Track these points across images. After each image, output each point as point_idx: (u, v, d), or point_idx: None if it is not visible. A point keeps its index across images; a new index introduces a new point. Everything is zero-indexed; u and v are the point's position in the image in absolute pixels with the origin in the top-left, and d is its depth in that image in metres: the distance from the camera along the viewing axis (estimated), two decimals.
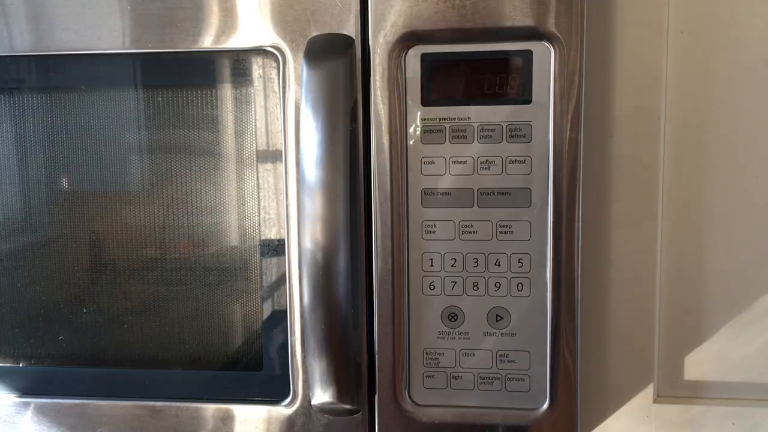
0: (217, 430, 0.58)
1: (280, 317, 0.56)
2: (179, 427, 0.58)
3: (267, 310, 0.57)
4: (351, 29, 0.52)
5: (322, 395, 0.52)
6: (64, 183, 0.59)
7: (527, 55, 0.51)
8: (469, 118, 0.52)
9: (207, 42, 0.54)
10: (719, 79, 0.59)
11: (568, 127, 0.51)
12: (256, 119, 0.55)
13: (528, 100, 0.51)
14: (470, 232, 0.53)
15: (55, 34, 0.55)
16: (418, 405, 0.55)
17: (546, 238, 0.52)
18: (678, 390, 0.62)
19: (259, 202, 0.56)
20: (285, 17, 0.52)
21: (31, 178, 0.59)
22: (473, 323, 0.54)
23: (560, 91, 0.51)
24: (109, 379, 0.60)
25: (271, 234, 0.56)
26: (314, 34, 0.52)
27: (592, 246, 0.59)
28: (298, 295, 0.54)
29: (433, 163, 0.53)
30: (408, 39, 0.51)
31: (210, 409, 0.58)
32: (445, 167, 0.53)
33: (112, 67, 0.56)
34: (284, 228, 0.55)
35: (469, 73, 0.52)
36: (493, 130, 0.52)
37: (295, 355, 0.55)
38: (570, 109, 0.51)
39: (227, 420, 0.57)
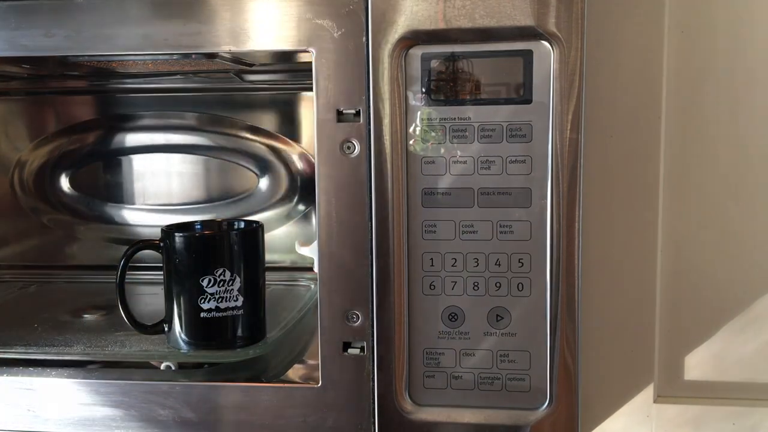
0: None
1: None
2: None
3: None
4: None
5: None
6: None
7: (527, 55, 0.51)
8: (469, 117, 0.52)
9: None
10: (719, 79, 0.59)
11: (568, 127, 0.51)
12: None
13: (528, 100, 0.51)
14: (470, 232, 0.53)
15: None
16: (418, 405, 0.55)
17: (546, 238, 0.52)
18: (678, 390, 0.62)
19: None
20: None
21: None
22: (473, 323, 0.54)
23: (560, 91, 0.51)
24: None
25: None
26: None
27: (592, 246, 0.59)
28: None
29: (433, 163, 0.53)
30: (408, 39, 0.51)
31: None
32: (445, 167, 0.53)
33: None
34: None
35: (470, 73, 0.52)
36: (493, 130, 0.52)
37: None
38: (570, 109, 0.51)
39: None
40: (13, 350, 0.62)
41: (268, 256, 0.64)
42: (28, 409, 0.60)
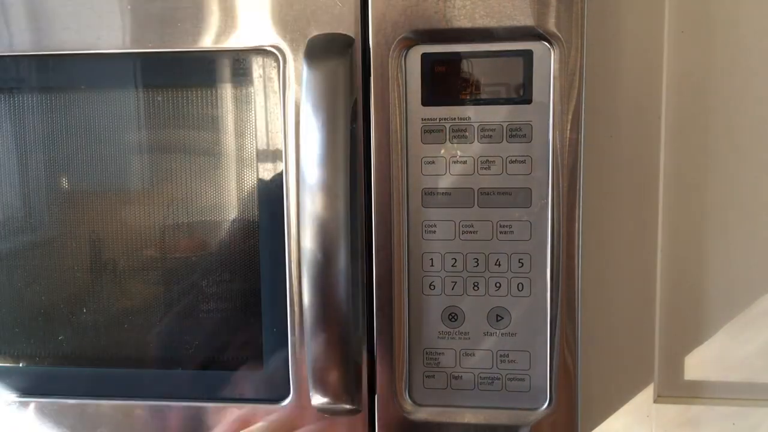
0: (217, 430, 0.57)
1: (280, 317, 0.56)
2: (180, 427, 0.58)
3: (267, 310, 0.57)
4: (351, 29, 0.52)
5: (321, 395, 0.52)
6: (64, 183, 0.59)
7: (527, 55, 0.51)
8: (469, 118, 0.52)
9: (207, 42, 0.54)
10: (719, 79, 0.59)
11: (568, 127, 0.51)
12: (256, 119, 0.55)
13: (528, 100, 0.51)
14: (470, 232, 0.53)
15: (55, 33, 0.55)
16: (418, 405, 0.55)
17: (546, 238, 0.52)
18: (678, 390, 0.62)
19: (258, 202, 0.56)
20: (285, 17, 0.52)
21: (30, 178, 0.59)
22: (473, 323, 0.54)
23: (560, 91, 0.51)
24: (108, 379, 0.59)
25: (271, 234, 0.55)
26: (314, 33, 0.52)
27: (592, 246, 0.59)
28: (298, 295, 0.54)
29: (433, 163, 0.53)
30: (408, 39, 0.51)
31: (210, 408, 0.58)
32: (445, 167, 0.53)
33: (112, 67, 0.56)
34: (284, 228, 0.55)
35: (469, 73, 0.52)
36: (493, 130, 0.52)
37: (295, 355, 0.55)
38: (570, 109, 0.51)
39: (227, 420, 0.57)
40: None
41: None
42: None
